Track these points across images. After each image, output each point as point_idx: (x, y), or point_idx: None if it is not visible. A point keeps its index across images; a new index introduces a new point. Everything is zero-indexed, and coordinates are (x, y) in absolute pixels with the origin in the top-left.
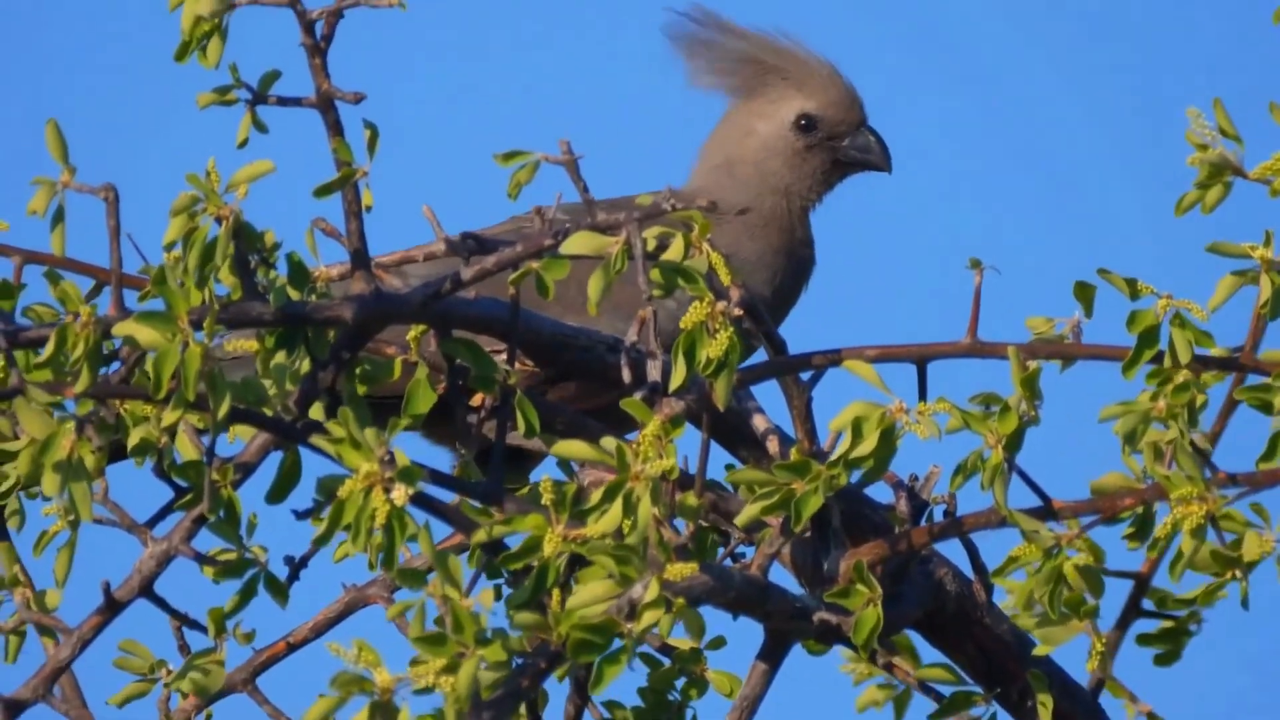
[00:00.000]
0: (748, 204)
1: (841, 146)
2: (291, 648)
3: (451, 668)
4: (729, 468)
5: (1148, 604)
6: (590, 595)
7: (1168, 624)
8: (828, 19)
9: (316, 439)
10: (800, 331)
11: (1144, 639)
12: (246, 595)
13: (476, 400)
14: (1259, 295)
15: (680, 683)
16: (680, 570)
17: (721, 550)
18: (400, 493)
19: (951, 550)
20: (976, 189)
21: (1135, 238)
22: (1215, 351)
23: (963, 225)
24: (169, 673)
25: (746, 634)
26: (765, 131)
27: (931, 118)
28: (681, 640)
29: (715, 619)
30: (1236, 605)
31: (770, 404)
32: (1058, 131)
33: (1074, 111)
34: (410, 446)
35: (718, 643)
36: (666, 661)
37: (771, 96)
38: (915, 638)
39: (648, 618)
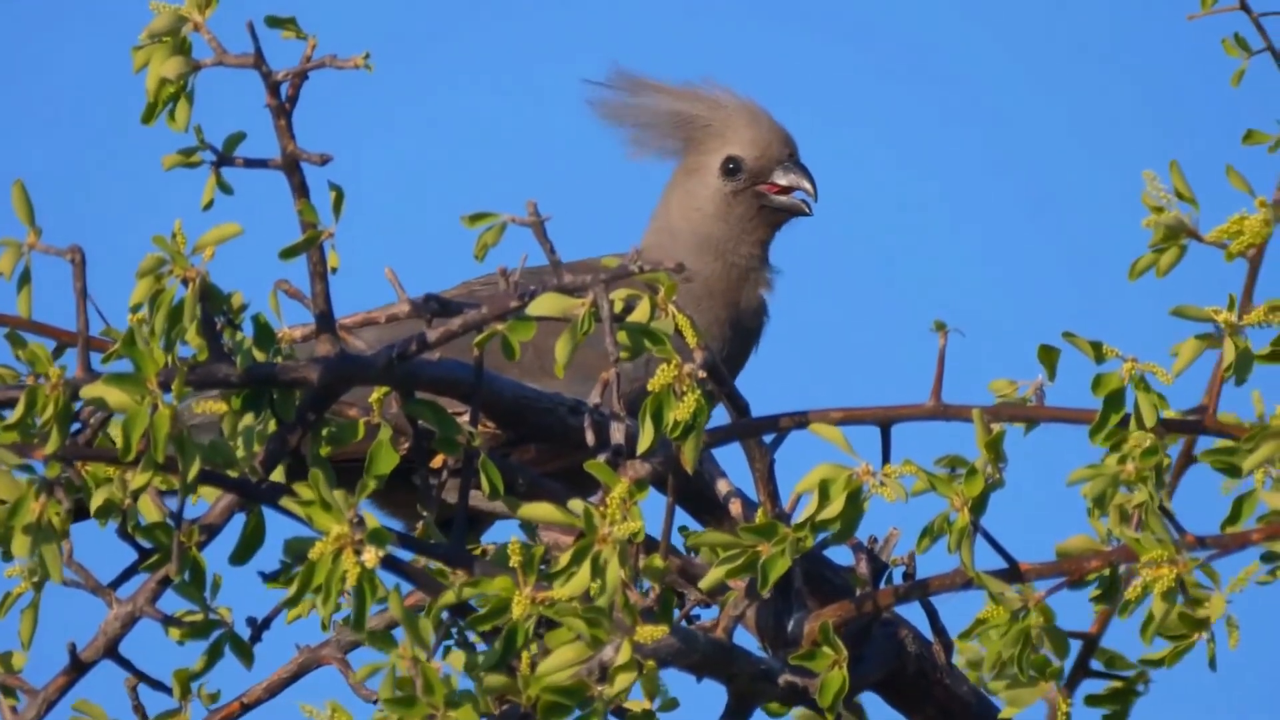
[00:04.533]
0: (689, 268)
1: (768, 194)
2: (245, 708)
3: None
4: (683, 529)
5: (1095, 664)
6: (560, 658)
7: (1116, 684)
8: (804, 78)
9: (286, 501)
10: (760, 393)
11: (1092, 699)
12: (213, 656)
13: (436, 462)
14: (1221, 359)
15: None
16: (650, 633)
17: (677, 612)
18: (371, 555)
19: (910, 612)
20: (941, 250)
21: (1099, 297)
22: (1170, 414)
23: (928, 287)
24: None
25: (709, 696)
26: (694, 184)
27: (898, 180)
28: (635, 702)
29: (678, 681)
30: (1181, 666)
31: (730, 466)
32: (1024, 194)
33: (1037, 174)
34: None
35: (670, 705)
36: None
37: (701, 150)
38: (874, 699)
39: (620, 680)
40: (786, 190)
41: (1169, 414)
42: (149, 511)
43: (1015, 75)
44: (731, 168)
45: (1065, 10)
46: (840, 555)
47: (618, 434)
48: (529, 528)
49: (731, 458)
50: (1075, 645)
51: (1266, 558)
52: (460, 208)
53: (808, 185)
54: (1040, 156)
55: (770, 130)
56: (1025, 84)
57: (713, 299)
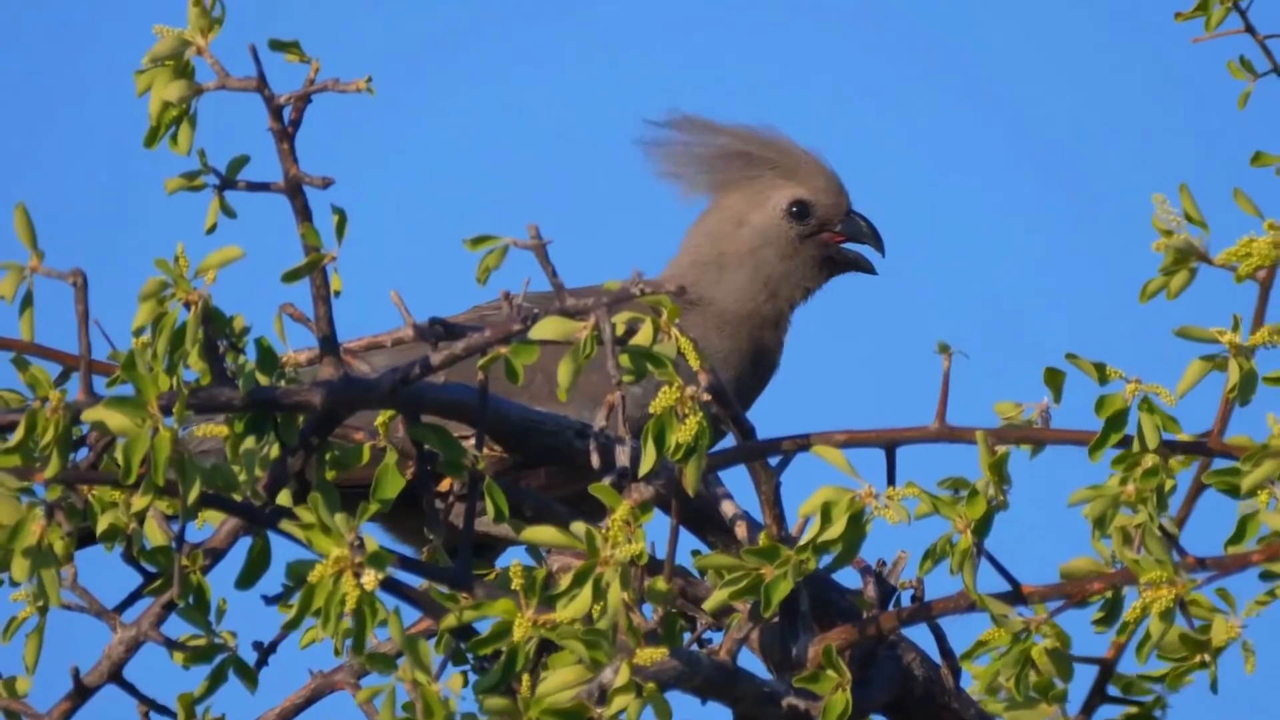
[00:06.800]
0: (736, 301)
1: (834, 244)
2: None
3: None
4: (695, 553)
5: (1113, 690)
6: (560, 680)
7: (1133, 709)
8: (808, 115)
9: (286, 524)
10: (767, 416)
11: None
12: (216, 681)
13: (444, 486)
14: (1227, 380)
15: None
16: (650, 655)
17: (688, 635)
18: (370, 578)
19: (918, 635)
20: (947, 272)
21: (1106, 320)
22: (1182, 437)
23: (934, 308)
24: None
25: (714, 719)
26: (758, 220)
27: (899, 196)
28: None
29: (683, 703)
30: (1201, 691)
31: (737, 489)
32: (1027, 216)
33: (1041, 197)
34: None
35: None
36: None
37: (760, 187)
38: None
39: (618, 703)
40: (849, 242)
41: (1181, 436)
42: (154, 535)
43: (1010, 91)
44: (797, 211)
45: (1066, 30)
46: (849, 578)
47: (623, 456)
48: (537, 552)
49: (740, 480)
50: (1092, 670)
51: (1265, 576)
52: (464, 230)
53: (875, 243)
54: (1045, 179)
55: (835, 182)
56: (1022, 104)
57: (738, 328)
